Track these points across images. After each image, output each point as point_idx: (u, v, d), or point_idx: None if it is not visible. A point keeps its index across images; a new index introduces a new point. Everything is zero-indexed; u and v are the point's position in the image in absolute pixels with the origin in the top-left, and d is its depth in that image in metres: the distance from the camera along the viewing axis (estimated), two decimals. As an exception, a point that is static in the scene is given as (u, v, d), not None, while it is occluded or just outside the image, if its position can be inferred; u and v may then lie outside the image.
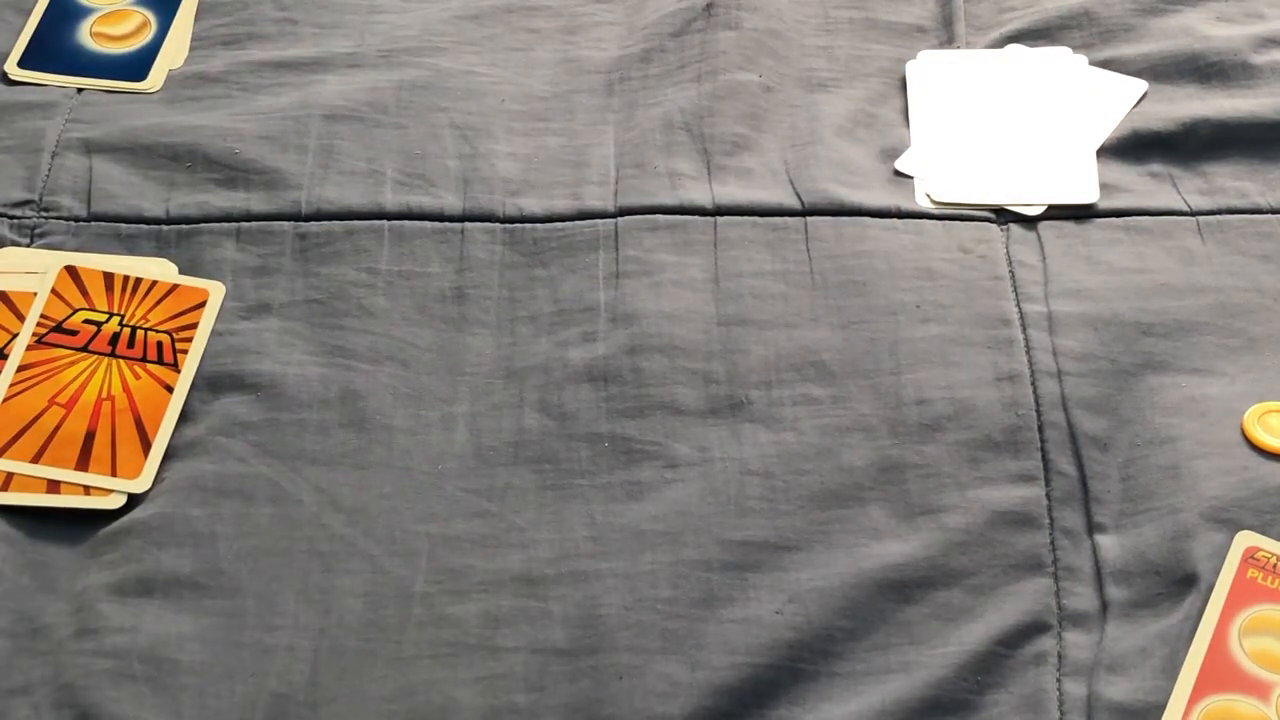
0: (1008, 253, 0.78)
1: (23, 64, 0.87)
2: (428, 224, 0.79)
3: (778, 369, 0.73)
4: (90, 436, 0.71)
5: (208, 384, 0.73)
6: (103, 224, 0.79)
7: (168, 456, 0.70)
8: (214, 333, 0.75)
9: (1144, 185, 0.81)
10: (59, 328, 0.75)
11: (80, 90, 0.86)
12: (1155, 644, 0.63)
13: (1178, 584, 0.65)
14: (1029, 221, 0.79)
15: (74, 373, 0.73)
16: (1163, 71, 0.86)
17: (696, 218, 0.79)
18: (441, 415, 0.72)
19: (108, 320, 0.75)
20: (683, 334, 0.74)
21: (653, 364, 0.73)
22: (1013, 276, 0.77)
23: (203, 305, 0.76)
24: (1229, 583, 0.64)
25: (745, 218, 0.79)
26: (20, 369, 0.73)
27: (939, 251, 0.78)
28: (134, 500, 0.69)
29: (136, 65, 0.87)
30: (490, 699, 0.63)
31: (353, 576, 0.66)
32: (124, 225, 0.79)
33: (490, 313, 0.76)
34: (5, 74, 0.86)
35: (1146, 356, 0.73)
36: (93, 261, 0.77)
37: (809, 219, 0.79)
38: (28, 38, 0.88)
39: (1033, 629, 0.65)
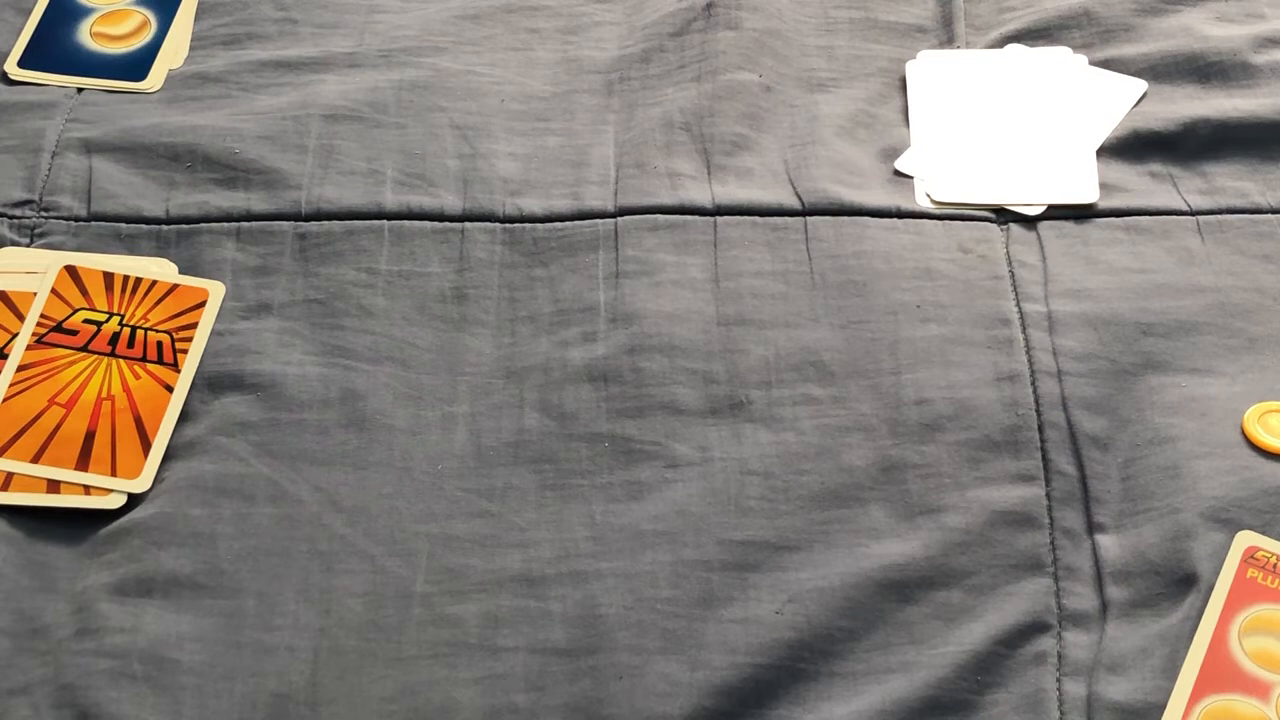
0: (1008, 253, 0.78)
1: (23, 64, 0.87)
2: (428, 224, 0.79)
3: (778, 369, 0.73)
4: (90, 436, 0.71)
5: (208, 384, 0.73)
6: (103, 224, 0.79)
7: (168, 456, 0.70)
8: (214, 333, 0.75)
9: (1144, 185, 0.81)
10: (59, 327, 0.74)
11: (80, 90, 0.86)
12: (1155, 644, 0.63)
13: (1178, 584, 0.65)
14: (1029, 221, 0.79)
15: (74, 372, 0.73)
16: (1163, 71, 0.86)
17: (696, 218, 0.79)
18: (441, 415, 0.72)
19: (108, 320, 0.75)
20: (683, 334, 0.74)
21: (653, 364, 0.73)
22: (1013, 276, 0.77)
23: (203, 305, 0.76)
24: (1229, 583, 0.64)
25: (745, 218, 0.79)
26: (20, 369, 0.73)
27: (939, 251, 0.78)
28: (134, 500, 0.69)
29: (136, 65, 0.87)
30: (490, 699, 0.63)
31: (353, 576, 0.66)
32: (124, 225, 0.79)
33: (490, 313, 0.76)
34: (5, 74, 0.86)
35: (1146, 356, 0.73)
36: (93, 261, 0.77)
37: (809, 219, 0.79)
38: (28, 38, 0.88)
39: (1033, 629, 0.65)
